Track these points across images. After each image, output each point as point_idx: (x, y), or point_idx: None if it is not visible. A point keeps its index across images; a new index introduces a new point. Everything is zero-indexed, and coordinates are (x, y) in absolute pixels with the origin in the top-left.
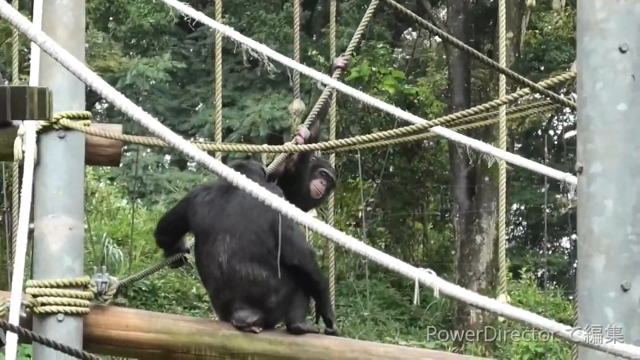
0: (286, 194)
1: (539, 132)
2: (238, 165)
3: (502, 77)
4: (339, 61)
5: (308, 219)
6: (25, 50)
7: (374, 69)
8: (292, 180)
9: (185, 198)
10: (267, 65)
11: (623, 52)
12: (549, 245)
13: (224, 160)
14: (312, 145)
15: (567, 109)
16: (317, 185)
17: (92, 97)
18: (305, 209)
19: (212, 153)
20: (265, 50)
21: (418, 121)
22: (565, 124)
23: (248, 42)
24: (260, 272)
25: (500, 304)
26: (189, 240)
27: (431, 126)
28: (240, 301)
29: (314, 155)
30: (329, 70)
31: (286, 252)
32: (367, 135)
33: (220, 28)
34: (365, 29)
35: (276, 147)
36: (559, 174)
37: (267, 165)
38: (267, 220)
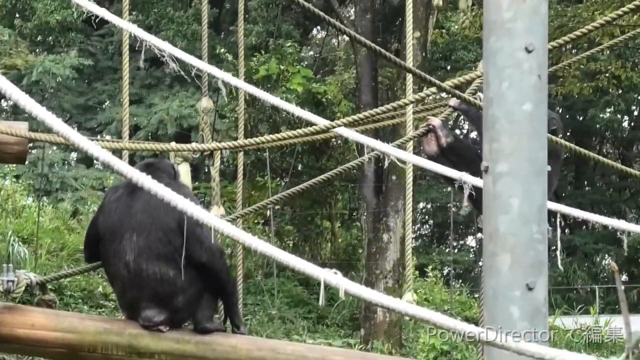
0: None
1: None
2: (147, 165)
3: (409, 77)
4: (435, 122)
5: (214, 219)
6: None
7: (282, 67)
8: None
9: (100, 205)
10: (170, 65)
11: (529, 51)
12: (455, 244)
13: (132, 158)
14: (221, 145)
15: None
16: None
17: None
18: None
19: (119, 151)
20: (170, 49)
21: (321, 122)
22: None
23: (153, 40)
24: (167, 271)
25: (405, 304)
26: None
27: (334, 127)
28: (147, 300)
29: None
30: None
31: (194, 249)
32: (276, 135)
33: (125, 26)
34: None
35: (184, 146)
36: (455, 174)
37: (177, 163)
38: (175, 218)
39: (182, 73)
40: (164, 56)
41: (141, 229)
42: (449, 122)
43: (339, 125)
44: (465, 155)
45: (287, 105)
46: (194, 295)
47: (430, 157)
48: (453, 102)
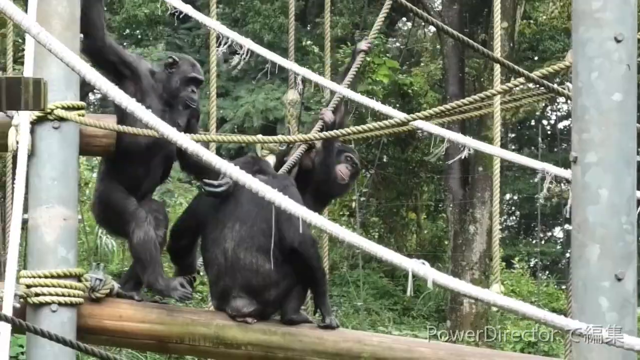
0: (312, 183)
1: (533, 122)
2: (251, 157)
3: (497, 67)
4: (363, 45)
5: (302, 210)
6: (20, 40)
7: (368, 59)
8: (317, 168)
9: (196, 195)
10: (243, 61)
11: (618, 41)
12: (541, 235)
13: (218, 150)
14: (307, 136)
15: (561, 99)
16: (342, 170)
17: (85, 87)
18: (332, 195)
19: (206, 143)
20: (251, 45)
21: (398, 115)
22: (558, 114)
23: (234, 36)
24: (264, 264)
25: (493, 294)
26: (200, 259)
27: (412, 120)
28: (239, 289)
29: (338, 141)
30: (352, 54)
31: (288, 234)
32: (361, 127)
33: (207, 22)
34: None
35: (270, 138)
36: (537, 164)
37: (263, 155)
38: (268, 211)
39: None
40: (242, 53)
41: (245, 219)
42: None
43: (417, 118)
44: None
45: (366, 100)
46: (286, 289)
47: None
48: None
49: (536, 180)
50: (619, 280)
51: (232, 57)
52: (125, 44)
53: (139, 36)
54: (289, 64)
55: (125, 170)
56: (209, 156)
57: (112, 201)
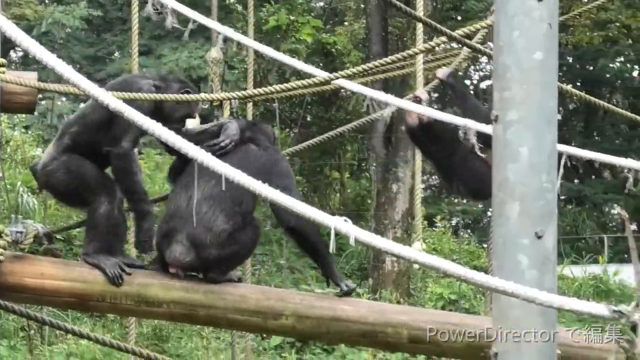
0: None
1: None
2: (251, 124)
3: (420, 26)
4: (422, 94)
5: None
6: None
7: (292, 17)
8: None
9: None
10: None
11: (540, 0)
12: None
13: None
14: (230, 94)
15: (484, 59)
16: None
17: (6, 44)
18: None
19: (129, 101)
20: (174, 4)
21: (320, 74)
22: (481, 74)
23: None
24: (221, 225)
25: (415, 252)
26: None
27: (334, 79)
28: (186, 237)
29: None
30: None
31: (281, 213)
32: (285, 85)
33: None
34: None
35: (192, 96)
36: (459, 120)
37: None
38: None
39: (180, 26)
40: (165, 12)
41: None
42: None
43: (340, 77)
44: (443, 136)
45: (289, 59)
46: (228, 255)
47: (410, 129)
48: (441, 73)
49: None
50: (539, 238)
51: (156, 14)
52: (47, 1)
53: None
54: (212, 22)
55: (96, 148)
56: (131, 113)
57: (82, 172)
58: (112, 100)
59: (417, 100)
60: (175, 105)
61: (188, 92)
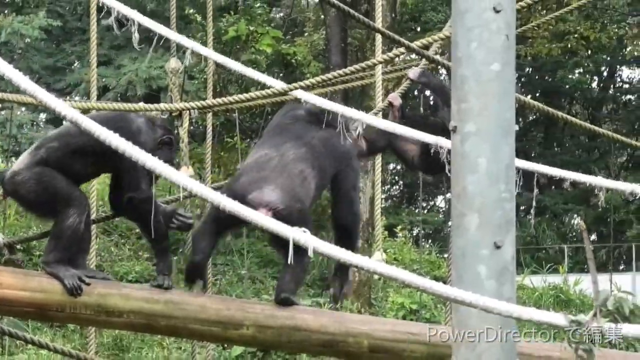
0: None
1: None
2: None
3: (379, 37)
4: (395, 100)
5: (183, 178)
6: None
7: (251, 28)
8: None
9: None
10: (135, 34)
11: (497, 11)
12: (424, 204)
13: None
14: (190, 104)
15: (443, 70)
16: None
17: None
18: None
19: (87, 111)
20: (136, 16)
21: (278, 85)
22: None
23: (119, 7)
24: (311, 181)
25: (375, 262)
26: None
27: (291, 89)
28: (276, 186)
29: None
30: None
31: (341, 212)
32: (244, 95)
33: None
34: None
35: (152, 106)
36: (416, 134)
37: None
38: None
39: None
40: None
41: (310, 147)
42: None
43: (297, 88)
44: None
45: (247, 70)
46: (307, 209)
47: (385, 133)
48: (412, 74)
49: None
50: (498, 248)
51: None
52: (6, 11)
53: (20, 3)
54: (171, 33)
55: (71, 168)
56: (88, 124)
57: (54, 184)
58: (67, 109)
59: (390, 105)
60: (156, 151)
61: (170, 141)
